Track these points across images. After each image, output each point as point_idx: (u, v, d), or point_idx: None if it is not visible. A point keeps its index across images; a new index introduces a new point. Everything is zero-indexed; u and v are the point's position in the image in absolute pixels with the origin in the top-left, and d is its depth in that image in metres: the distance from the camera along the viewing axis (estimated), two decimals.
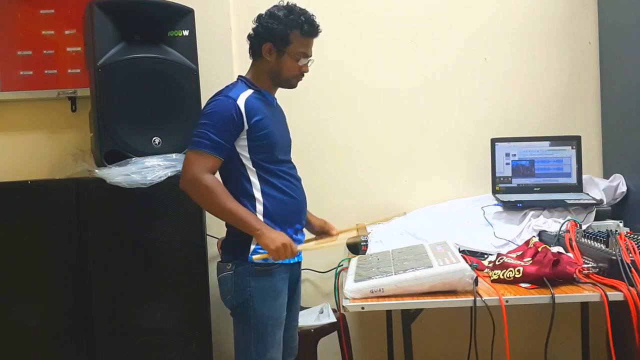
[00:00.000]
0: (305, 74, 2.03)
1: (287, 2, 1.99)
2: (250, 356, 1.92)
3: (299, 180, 2.07)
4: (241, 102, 1.90)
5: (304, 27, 1.94)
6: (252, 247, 1.91)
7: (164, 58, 2.38)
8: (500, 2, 2.91)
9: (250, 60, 2.07)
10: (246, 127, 1.90)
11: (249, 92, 1.95)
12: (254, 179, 1.94)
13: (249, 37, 2.01)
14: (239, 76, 2.05)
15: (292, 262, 1.98)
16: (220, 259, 2.03)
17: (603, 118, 2.88)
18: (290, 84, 2.03)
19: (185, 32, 2.45)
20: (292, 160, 2.12)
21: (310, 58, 2.02)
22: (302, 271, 2.80)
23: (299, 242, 2.02)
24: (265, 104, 1.99)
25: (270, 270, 1.92)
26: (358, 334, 2.89)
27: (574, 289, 1.79)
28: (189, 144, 1.90)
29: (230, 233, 2.00)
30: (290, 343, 2.13)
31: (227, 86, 1.99)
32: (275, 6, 1.98)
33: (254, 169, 1.93)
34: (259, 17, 1.99)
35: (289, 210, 1.97)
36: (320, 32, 2.00)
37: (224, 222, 2.01)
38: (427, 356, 2.79)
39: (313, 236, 2.22)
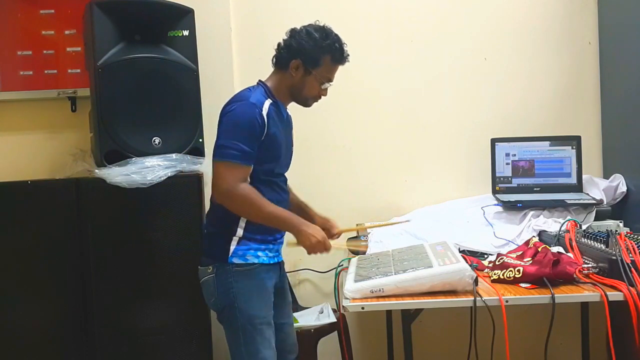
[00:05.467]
0: (322, 97, 2.05)
1: (324, 25, 1.99)
2: (242, 358, 1.92)
3: (287, 192, 2.09)
4: (264, 111, 1.89)
5: (336, 54, 1.97)
6: (232, 248, 1.92)
7: (164, 58, 2.37)
8: (501, 2, 2.91)
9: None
10: (262, 137, 1.90)
11: (269, 102, 1.94)
12: None
13: (279, 46, 2.00)
14: (260, 81, 2.03)
15: (272, 262, 1.98)
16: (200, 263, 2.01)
17: (603, 118, 2.88)
18: (307, 103, 2.05)
19: (185, 32, 2.45)
20: (293, 160, 2.12)
21: (331, 83, 2.03)
22: (301, 271, 2.84)
23: (280, 244, 2.03)
24: (279, 116, 1.98)
25: (251, 270, 1.93)
26: (358, 334, 2.89)
27: (574, 289, 1.79)
28: (217, 153, 1.88)
29: (208, 236, 2.01)
30: (288, 340, 2.14)
31: (248, 90, 1.97)
32: (312, 26, 1.98)
33: (248, 180, 1.92)
34: (294, 31, 1.98)
35: None
36: (348, 62, 2.02)
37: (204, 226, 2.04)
38: (427, 356, 2.79)
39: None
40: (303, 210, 2.19)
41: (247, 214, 1.91)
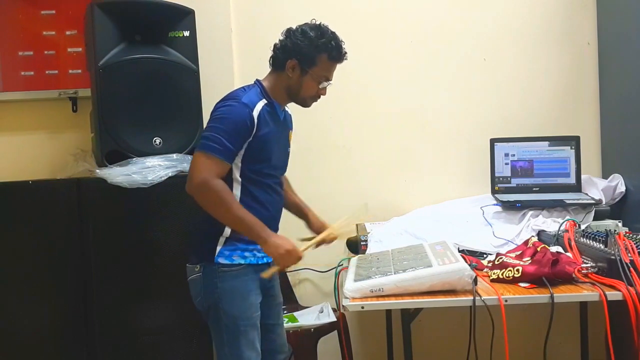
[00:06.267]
0: (321, 96, 2.02)
1: (320, 23, 1.96)
2: (226, 357, 1.92)
3: (280, 195, 2.05)
4: (256, 112, 1.87)
5: (333, 52, 1.93)
6: (218, 248, 1.90)
7: (164, 59, 2.38)
8: (500, 3, 2.92)
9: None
10: (251, 138, 1.88)
11: (263, 102, 1.92)
12: (236, 185, 1.92)
13: (275, 47, 1.98)
14: (257, 81, 2.00)
15: (260, 262, 1.95)
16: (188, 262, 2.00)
17: (602, 118, 2.88)
18: (305, 103, 2.02)
19: (186, 33, 2.46)
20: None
21: (330, 82, 2.00)
22: (301, 271, 2.85)
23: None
24: (273, 117, 1.96)
25: (237, 271, 1.91)
26: (358, 333, 2.90)
27: (573, 288, 1.80)
28: (199, 145, 1.87)
29: (196, 234, 2.00)
30: (278, 341, 2.13)
31: (243, 90, 1.95)
32: (307, 25, 1.95)
33: (240, 179, 1.91)
34: (289, 31, 1.96)
35: (261, 220, 1.92)
36: (346, 59, 1.99)
37: (193, 224, 2.02)
38: (427, 355, 2.80)
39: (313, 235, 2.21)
40: (302, 212, 2.17)
41: (215, 211, 1.85)
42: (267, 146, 1.93)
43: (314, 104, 2.04)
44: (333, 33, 1.95)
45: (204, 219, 1.93)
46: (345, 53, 1.97)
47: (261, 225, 1.86)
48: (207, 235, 1.92)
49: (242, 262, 1.91)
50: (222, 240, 1.91)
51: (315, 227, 2.17)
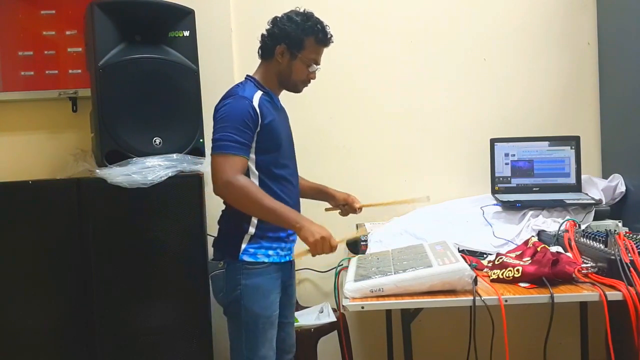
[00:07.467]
0: (312, 80, 2.06)
1: (304, 9, 2.02)
2: (242, 354, 1.94)
3: (296, 187, 2.09)
4: (255, 102, 1.91)
5: (319, 35, 1.99)
6: (243, 245, 1.93)
7: (164, 59, 2.38)
8: (500, 3, 2.92)
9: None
10: (258, 128, 1.92)
11: (260, 93, 1.96)
12: (254, 179, 1.94)
13: (262, 37, 2.03)
14: (248, 76, 2.05)
15: (282, 261, 1.99)
16: (212, 257, 2.04)
17: (602, 118, 2.89)
18: (297, 88, 2.06)
19: (186, 33, 2.46)
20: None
21: (319, 66, 2.05)
22: (301, 271, 2.85)
23: (293, 242, 2.03)
24: (272, 105, 2.00)
25: (261, 269, 1.93)
26: (358, 334, 2.90)
27: (573, 288, 1.80)
28: (213, 148, 1.90)
29: (222, 231, 2.02)
30: (287, 340, 2.15)
31: (237, 86, 2.00)
32: (292, 11, 2.01)
33: (257, 172, 1.94)
34: (275, 19, 2.02)
35: None
36: (332, 42, 2.04)
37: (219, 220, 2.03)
38: (427, 355, 2.80)
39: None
40: (322, 192, 2.23)
41: (245, 206, 1.89)
42: (275, 134, 1.96)
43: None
44: (318, 18, 2.01)
45: (229, 217, 1.98)
46: (331, 36, 2.03)
47: (295, 212, 1.90)
48: (233, 233, 1.95)
49: (266, 260, 1.94)
50: (247, 237, 1.94)
51: (341, 197, 2.24)
